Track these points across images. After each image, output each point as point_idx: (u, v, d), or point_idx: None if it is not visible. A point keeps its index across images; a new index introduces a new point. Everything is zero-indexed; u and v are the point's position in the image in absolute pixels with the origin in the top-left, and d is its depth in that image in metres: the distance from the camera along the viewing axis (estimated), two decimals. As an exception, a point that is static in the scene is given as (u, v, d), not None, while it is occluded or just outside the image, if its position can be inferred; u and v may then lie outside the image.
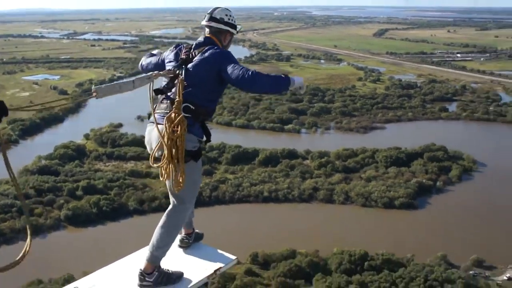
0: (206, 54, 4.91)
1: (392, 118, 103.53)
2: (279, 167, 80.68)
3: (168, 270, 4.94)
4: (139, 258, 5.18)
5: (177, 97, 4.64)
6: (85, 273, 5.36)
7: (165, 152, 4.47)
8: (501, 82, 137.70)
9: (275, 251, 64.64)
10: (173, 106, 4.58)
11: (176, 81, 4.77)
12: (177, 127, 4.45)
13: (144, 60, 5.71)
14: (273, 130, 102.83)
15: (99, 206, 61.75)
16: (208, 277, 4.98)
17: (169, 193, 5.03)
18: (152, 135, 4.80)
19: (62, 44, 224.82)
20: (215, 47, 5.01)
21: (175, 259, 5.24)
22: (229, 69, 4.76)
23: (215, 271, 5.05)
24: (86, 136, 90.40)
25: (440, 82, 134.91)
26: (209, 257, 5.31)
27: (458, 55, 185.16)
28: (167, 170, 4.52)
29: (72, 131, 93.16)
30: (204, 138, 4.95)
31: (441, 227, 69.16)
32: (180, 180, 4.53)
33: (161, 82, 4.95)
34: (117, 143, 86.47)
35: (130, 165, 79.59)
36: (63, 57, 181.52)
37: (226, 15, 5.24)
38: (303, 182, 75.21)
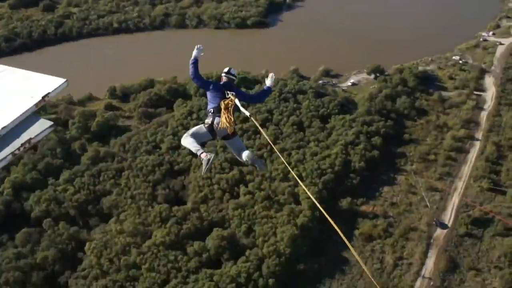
0: (233, 89, 8.91)
1: None
2: (126, -6, 75.41)
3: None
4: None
5: (232, 102, 8.55)
6: None
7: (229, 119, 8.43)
8: None
9: (133, 82, 63.53)
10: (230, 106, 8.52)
11: (227, 96, 8.64)
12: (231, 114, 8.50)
13: (196, 74, 9.16)
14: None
15: None
16: (37, 104, 4.62)
17: (237, 154, 8.87)
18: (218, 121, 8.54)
19: None
20: (234, 87, 9.04)
21: None
22: (246, 96, 9.59)
23: (43, 97, 4.68)
24: None
25: None
26: (36, 84, 4.87)
27: None
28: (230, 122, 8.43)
29: None
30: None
31: (292, 42, 71.89)
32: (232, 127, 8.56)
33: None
34: None
35: None
36: None
37: (236, 71, 9.46)
38: (153, 9, 71.71)
